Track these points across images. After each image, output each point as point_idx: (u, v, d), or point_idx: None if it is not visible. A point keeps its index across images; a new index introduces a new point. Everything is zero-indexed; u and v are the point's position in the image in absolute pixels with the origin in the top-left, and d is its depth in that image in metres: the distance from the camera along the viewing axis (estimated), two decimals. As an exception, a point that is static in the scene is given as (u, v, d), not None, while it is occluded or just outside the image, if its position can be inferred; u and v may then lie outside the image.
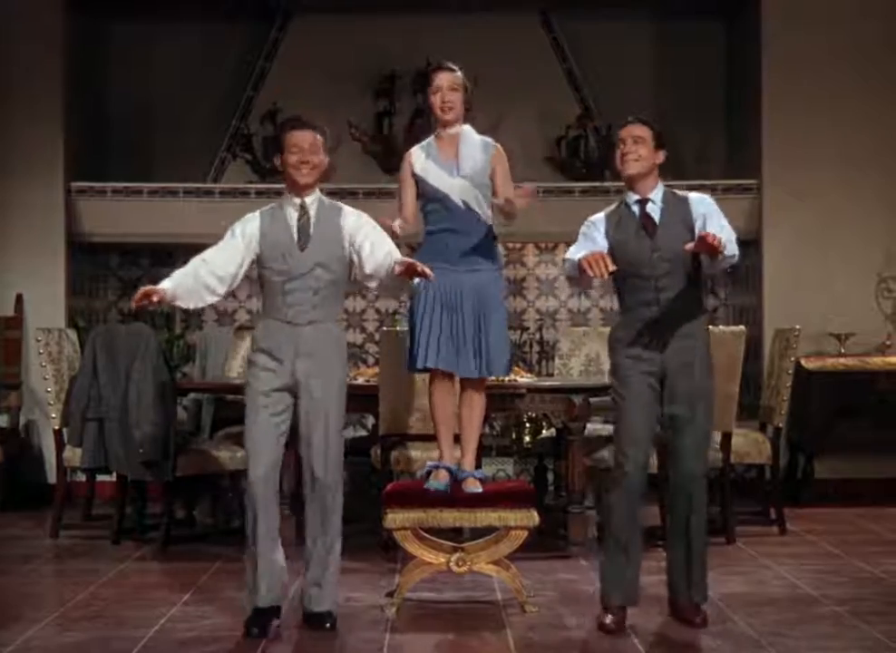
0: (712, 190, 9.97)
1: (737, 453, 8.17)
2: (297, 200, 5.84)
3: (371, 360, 10.48)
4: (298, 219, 5.81)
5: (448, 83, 6.24)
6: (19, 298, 9.90)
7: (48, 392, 8.25)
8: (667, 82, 10.87)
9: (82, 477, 8.82)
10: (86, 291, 10.51)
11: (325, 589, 5.86)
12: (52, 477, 8.99)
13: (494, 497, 6.23)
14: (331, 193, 10.09)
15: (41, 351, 8.23)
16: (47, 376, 8.23)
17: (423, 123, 10.31)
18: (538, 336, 10.68)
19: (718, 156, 10.93)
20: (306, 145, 5.76)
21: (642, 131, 5.90)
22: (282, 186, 9.90)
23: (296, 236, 5.77)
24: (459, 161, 6.24)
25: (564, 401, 7.87)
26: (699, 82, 10.84)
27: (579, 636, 5.73)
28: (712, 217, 5.85)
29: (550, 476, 9.35)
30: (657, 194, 5.95)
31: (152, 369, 7.79)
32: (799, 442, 9.76)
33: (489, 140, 6.37)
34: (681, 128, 10.76)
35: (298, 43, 10.60)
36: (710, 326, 8.04)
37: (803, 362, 9.41)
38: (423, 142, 6.42)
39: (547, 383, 8.18)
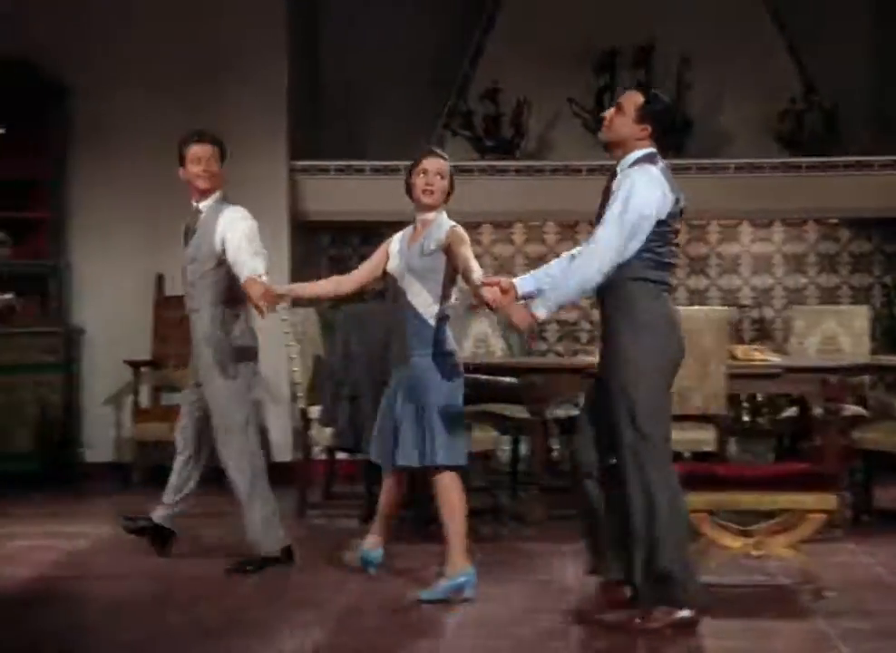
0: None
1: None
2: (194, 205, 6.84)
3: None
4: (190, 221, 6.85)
5: (435, 169, 6.29)
6: (241, 278, 9.88)
7: (294, 371, 8.26)
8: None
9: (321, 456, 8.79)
10: (299, 270, 10.47)
11: None
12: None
13: (790, 480, 6.13)
14: (554, 170, 10.17)
15: (287, 331, 8.24)
16: (294, 356, 8.23)
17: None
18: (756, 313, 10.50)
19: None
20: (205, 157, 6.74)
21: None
22: (500, 163, 10.10)
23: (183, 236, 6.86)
24: (417, 247, 6.31)
25: (818, 381, 7.75)
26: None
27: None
28: None
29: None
30: None
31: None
32: None
33: (451, 224, 6.30)
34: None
35: (514, 17, 10.45)
36: None
37: None
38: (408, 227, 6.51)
39: (801, 363, 8.05)
